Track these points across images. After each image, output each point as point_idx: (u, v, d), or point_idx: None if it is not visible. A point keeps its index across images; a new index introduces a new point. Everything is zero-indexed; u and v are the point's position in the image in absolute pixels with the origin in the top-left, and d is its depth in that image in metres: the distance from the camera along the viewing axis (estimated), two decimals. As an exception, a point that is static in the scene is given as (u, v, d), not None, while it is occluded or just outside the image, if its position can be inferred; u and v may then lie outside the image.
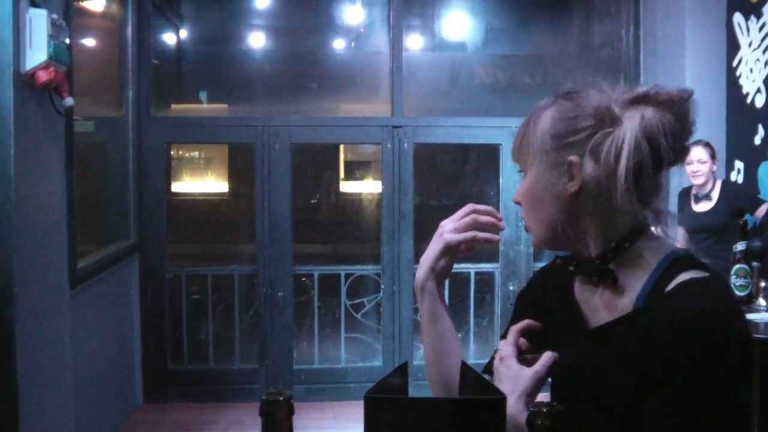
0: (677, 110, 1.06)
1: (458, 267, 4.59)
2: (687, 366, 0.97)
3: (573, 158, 1.08)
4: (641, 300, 1.06)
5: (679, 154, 1.08)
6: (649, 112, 1.06)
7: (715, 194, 4.12)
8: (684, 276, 1.04)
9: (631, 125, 1.05)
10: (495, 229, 1.22)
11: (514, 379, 1.09)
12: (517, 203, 1.18)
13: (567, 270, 1.18)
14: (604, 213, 1.09)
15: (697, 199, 4.17)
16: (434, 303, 1.24)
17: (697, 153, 4.03)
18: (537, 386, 1.08)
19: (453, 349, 1.26)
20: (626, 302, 1.09)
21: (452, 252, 1.22)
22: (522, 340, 1.17)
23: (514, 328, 1.18)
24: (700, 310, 0.99)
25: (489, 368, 1.27)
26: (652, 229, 1.13)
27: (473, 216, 1.21)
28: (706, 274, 1.05)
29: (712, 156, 4.07)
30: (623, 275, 1.09)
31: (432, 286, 1.24)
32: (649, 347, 1.01)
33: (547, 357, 1.10)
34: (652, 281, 1.07)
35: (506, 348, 1.14)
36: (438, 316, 1.25)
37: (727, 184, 4.24)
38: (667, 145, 1.05)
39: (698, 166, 4.05)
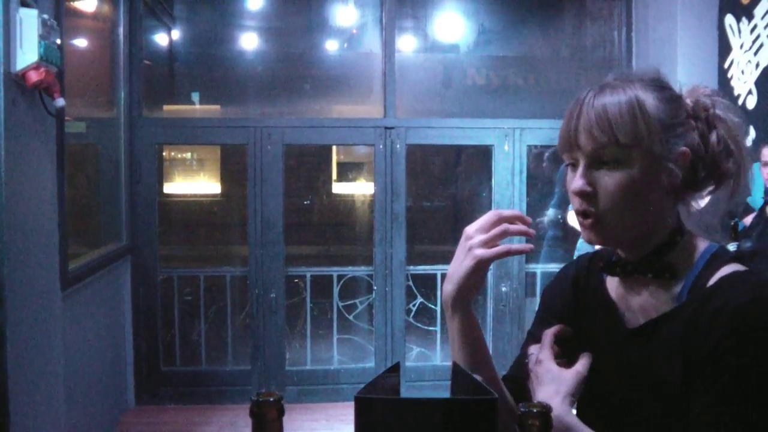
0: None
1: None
2: (734, 359, 0.96)
3: (686, 149, 1.06)
4: (684, 295, 1.06)
5: None
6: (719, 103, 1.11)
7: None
8: (725, 270, 1.04)
9: (725, 116, 1.09)
10: (525, 236, 1.14)
11: (555, 381, 1.09)
12: (582, 195, 1.07)
13: (604, 267, 1.16)
14: (673, 205, 1.09)
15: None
16: (467, 319, 1.19)
17: None
18: (580, 386, 1.09)
19: (487, 361, 1.23)
20: (666, 298, 1.08)
21: (485, 267, 1.14)
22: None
23: (549, 332, 1.17)
24: (744, 303, 0.98)
25: (510, 376, 1.26)
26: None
27: (504, 226, 1.12)
28: (746, 268, 1.05)
29: None
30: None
31: (464, 304, 1.18)
32: (693, 342, 1.00)
33: (587, 358, 1.11)
34: (693, 276, 1.06)
35: (544, 351, 1.14)
36: (471, 331, 1.20)
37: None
38: None
39: None
